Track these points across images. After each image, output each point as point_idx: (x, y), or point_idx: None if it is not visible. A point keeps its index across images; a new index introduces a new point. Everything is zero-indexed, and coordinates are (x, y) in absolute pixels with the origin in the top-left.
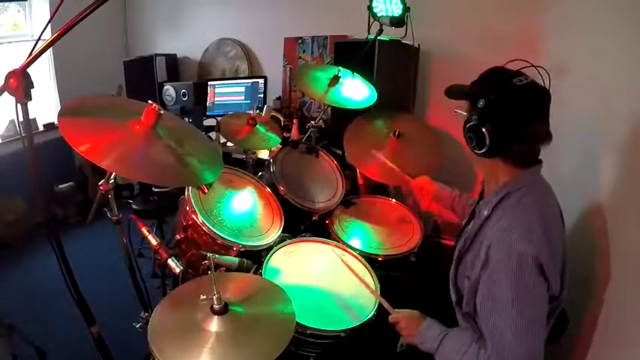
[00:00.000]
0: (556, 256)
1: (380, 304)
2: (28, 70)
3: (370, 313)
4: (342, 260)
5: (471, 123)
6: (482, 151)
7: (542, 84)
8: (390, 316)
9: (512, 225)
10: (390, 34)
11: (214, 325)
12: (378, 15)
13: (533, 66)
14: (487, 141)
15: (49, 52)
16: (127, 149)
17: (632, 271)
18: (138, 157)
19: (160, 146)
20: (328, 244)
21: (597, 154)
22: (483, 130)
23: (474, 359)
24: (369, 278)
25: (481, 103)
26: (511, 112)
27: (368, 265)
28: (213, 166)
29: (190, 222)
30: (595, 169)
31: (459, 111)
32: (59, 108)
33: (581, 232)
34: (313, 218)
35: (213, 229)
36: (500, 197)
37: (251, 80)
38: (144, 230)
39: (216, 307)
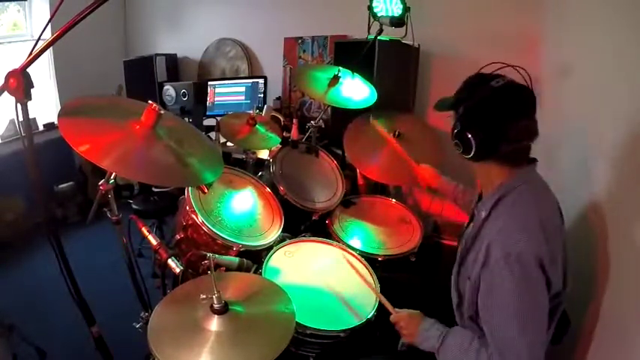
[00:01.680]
0: (555, 253)
1: (380, 303)
2: (28, 70)
3: (370, 313)
4: (345, 258)
5: (456, 130)
6: (471, 155)
7: (526, 83)
8: (390, 316)
9: (509, 224)
10: (390, 34)
11: (214, 324)
12: (378, 15)
13: (510, 66)
14: (473, 145)
15: (49, 52)
16: (126, 149)
17: (631, 270)
18: (138, 157)
19: (160, 146)
20: (328, 244)
21: (597, 154)
22: (468, 135)
23: (475, 356)
24: (370, 278)
25: (461, 110)
26: (490, 114)
27: (368, 265)
28: (213, 166)
29: (190, 222)
30: (594, 168)
31: (450, 119)
32: (59, 108)
33: (581, 232)
34: (313, 218)
35: (213, 229)
36: (497, 198)
37: (251, 80)
38: (144, 230)
39: (216, 306)
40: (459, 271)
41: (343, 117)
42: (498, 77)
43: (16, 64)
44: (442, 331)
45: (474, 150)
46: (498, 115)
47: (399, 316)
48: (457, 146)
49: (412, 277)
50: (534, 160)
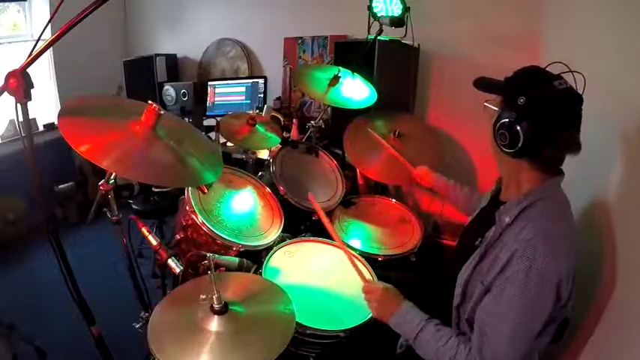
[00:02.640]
0: (572, 271)
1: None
2: (28, 70)
3: (370, 313)
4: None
5: (506, 119)
6: (513, 150)
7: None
8: (364, 285)
9: (536, 237)
10: (390, 34)
11: (214, 324)
12: (378, 15)
13: (571, 72)
14: (521, 140)
15: (49, 52)
16: (127, 149)
17: (632, 271)
18: (138, 157)
19: (160, 146)
20: (328, 244)
21: (600, 154)
22: (519, 128)
23: (455, 351)
24: (368, 274)
25: (522, 100)
26: (550, 115)
27: (368, 265)
28: (213, 166)
29: (190, 222)
30: (598, 169)
31: (490, 105)
32: (59, 108)
33: (585, 232)
34: (313, 218)
35: (213, 229)
36: (524, 206)
37: (251, 80)
38: (144, 230)
39: (216, 306)
40: (472, 274)
41: (343, 117)
42: (560, 79)
43: (16, 64)
44: (421, 320)
45: (519, 146)
46: (556, 119)
47: (375, 287)
48: (502, 137)
49: (412, 277)
50: (562, 172)
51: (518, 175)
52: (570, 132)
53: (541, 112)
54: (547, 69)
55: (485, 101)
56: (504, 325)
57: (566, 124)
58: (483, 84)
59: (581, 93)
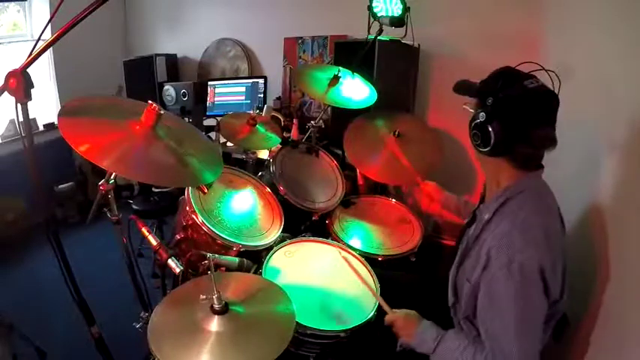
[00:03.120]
0: (557, 262)
1: (379, 304)
2: (28, 70)
3: (370, 313)
4: (345, 259)
5: (478, 120)
6: (487, 149)
7: (552, 87)
8: (386, 316)
9: (513, 230)
10: (390, 34)
11: (214, 324)
12: (378, 15)
13: (544, 69)
14: (492, 139)
15: (49, 52)
16: (127, 149)
17: (631, 272)
18: (138, 157)
19: (160, 146)
20: (328, 244)
21: (597, 155)
22: (489, 128)
23: (471, 357)
24: (369, 278)
25: (489, 100)
26: (519, 113)
27: (368, 265)
28: (213, 166)
29: (190, 222)
30: (595, 170)
31: (467, 107)
32: (59, 108)
33: (581, 233)
34: (313, 218)
35: (213, 229)
36: (502, 202)
37: (251, 80)
38: (144, 230)
39: (216, 306)
40: (457, 272)
41: (343, 117)
42: (531, 78)
43: (16, 64)
44: (438, 334)
45: (491, 145)
46: (526, 117)
47: (395, 316)
48: (475, 137)
49: (412, 277)
50: (541, 166)
51: (497, 173)
52: (542, 128)
53: (510, 111)
54: (545, 69)
55: (464, 103)
56: (507, 325)
57: (537, 121)
58: (461, 87)
59: (554, 91)
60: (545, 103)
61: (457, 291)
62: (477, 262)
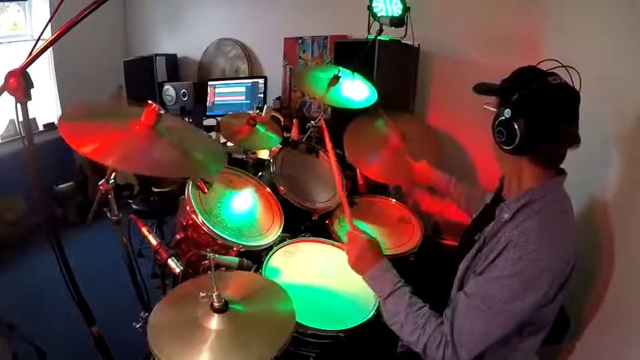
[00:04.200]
0: (562, 271)
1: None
2: (28, 70)
3: (370, 313)
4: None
5: (502, 117)
6: (512, 147)
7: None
8: (348, 231)
9: (531, 232)
10: (390, 34)
11: (214, 323)
12: (378, 15)
13: (564, 66)
14: (518, 136)
15: (49, 52)
16: (129, 148)
17: (632, 271)
18: (142, 153)
19: (163, 143)
20: (328, 244)
21: (599, 154)
22: (515, 124)
23: (423, 320)
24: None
25: (515, 97)
26: (544, 110)
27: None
28: (217, 160)
29: (190, 222)
30: (599, 168)
31: (489, 107)
32: (59, 108)
33: (584, 232)
34: (313, 218)
35: (214, 229)
36: (523, 203)
37: (251, 80)
38: (144, 230)
39: (216, 305)
40: (470, 265)
41: (343, 117)
42: (554, 75)
43: (16, 64)
44: (400, 280)
45: (516, 142)
46: (552, 113)
47: (357, 236)
48: (499, 134)
49: (412, 277)
50: (564, 172)
51: (519, 172)
52: (567, 126)
53: (535, 107)
54: (542, 67)
55: (485, 103)
56: (484, 301)
57: (562, 118)
58: (482, 88)
59: (577, 89)
60: (569, 99)
61: (463, 282)
62: (489, 255)
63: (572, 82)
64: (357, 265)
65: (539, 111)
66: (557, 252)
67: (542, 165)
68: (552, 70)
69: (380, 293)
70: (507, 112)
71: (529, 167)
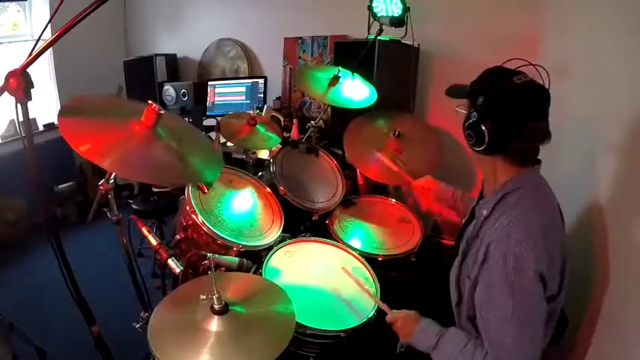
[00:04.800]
0: (554, 257)
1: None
2: (28, 70)
3: (370, 313)
4: (343, 268)
5: (470, 120)
6: (482, 148)
7: (542, 82)
8: (387, 316)
9: (510, 225)
10: (390, 34)
11: (214, 325)
12: (378, 15)
13: (531, 65)
14: (486, 138)
15: (49, 52)
16: (127, 149)
17: (632, 271)
18: (138, 156)
19: (160, 146)
20: (328, 244)
21: (597, 155)
22: (482, 127)
23: (471, 356)
24: (369, 279)
25: (480, 100)
26: (510, 110)
27: (368, 265)
28: (214, 165)
29: (190, 222)
30: (595, 169)
31: (459, 110)
32: (59, 108)
33: (581, 233)
34: (313, 218)
35: (213, 229)
36: (499, 197)
37: (251, 80)
38: (144, 230)
39: (216, 307)
40: (460, 270)
41: (343, 117)
42: (520, 74)
43: (16, 64)
44: (438, 331)
45: (486, 143)
46: (517, 113)
47: (396, 316)
48: (469, 137)
49: (412, 277)
50: (539, 162)
51: (495, 171)
52: (534, 122)
53: (500, 108)
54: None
55: (456, 106)
56: (505, 319)
57: (529, 115)
58: (453, 91)
59: (544, 85)
60: (535, 96)
61: (460, 289)
62: (476, 258)
63: (543, 81)
64: (405, 339)
65: (505, 111)
66: (538, 237)
67: (517, 162)
68: (517, 69)
69: (429, 349)
70: (474, 115)
71: (503, 165)
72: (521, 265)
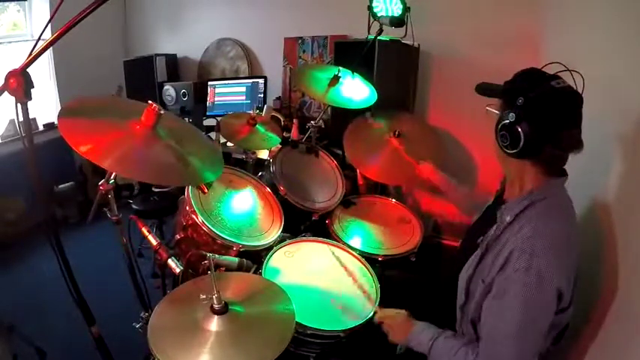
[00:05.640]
0: (573, 272)
1: (380, 304)
2: (28, 70)
3: (370, 313)
4: (341, 264)
5: (506, 121)
6: (515, 150)
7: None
8: (376, 315)
9: (535, 236)
10: (390, 34)
11: (214, 324)
12: (378, 15)
13: (569, 70)
14: (522, 140)
15: (49, 52)
16: (127, 149)
17: (636, 271)
18: (138, 156)
19: (161, 146)
20: (328, 244)
21: (600, 155)
22: (519, 128)
23: (463, 358)
24: (369, 278)
25: (520, 100)
26: (549, 114)
27: (368, 265)
28: (214, 166)
29: (190, 222)
30: (600, 168)
31: (491, 109)
32: (59, 108)
33: (586, 233)
34: (313, 218)
35: (213, 229)
36: (525, 205)
37: (251, 80)
38: (144, 230)
39: (216, 306)
40: (474, 272)
41: (343, 117)
42: (558, 78)
43: (16, 64)
44: (434, 334)
45: (520, 146)
46: (556, 118)
47: (385, 315)
48: (503, 138)
49: (412, 277)
50: (565, 173)
51: (521, 175)
52: (571, 130)
53: (540, 111)
54: (545, 69)
55: (487, 105)
56: (509, 328)
57: (566, 122)
58: (484, 89)
59: (580, 92)
60: (573, 103)
61: (469, 292)
62: (494, 263)
63: (576, 86)
64: (405, 340)
65: (544, 115)
66: (561, 251)
67: (545, 168)
68: (556, 74)
69: (425, 352)
70: (512, 116)
71: (532, 170)
72: (542, 280)
